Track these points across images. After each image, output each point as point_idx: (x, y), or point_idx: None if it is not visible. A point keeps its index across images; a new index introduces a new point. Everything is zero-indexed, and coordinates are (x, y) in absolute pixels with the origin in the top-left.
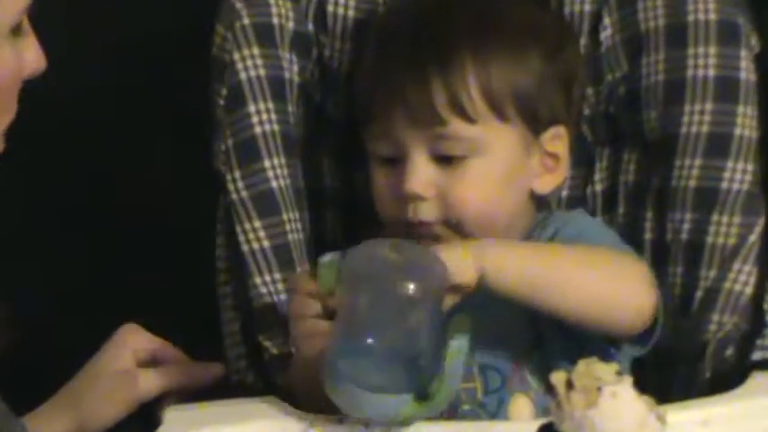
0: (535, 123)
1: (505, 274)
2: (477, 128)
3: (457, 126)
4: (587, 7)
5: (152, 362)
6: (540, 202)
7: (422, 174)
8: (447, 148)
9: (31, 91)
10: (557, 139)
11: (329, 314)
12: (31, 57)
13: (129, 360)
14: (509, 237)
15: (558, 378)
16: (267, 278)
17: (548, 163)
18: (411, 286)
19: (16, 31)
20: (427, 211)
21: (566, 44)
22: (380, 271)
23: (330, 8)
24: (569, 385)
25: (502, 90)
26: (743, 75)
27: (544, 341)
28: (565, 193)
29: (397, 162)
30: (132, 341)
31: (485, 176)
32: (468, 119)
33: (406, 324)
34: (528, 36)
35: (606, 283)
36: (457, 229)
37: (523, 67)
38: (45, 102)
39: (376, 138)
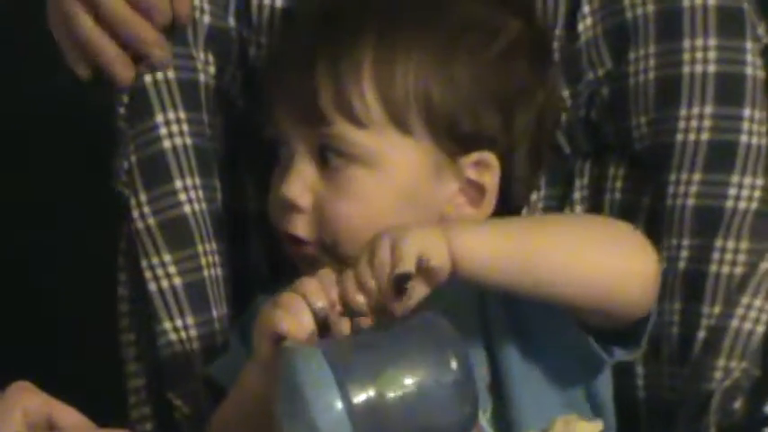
0: (451, 143)
1: (482, 255)
2: (369, 135)
3: (343, 128)
4: None
5: (46, 426)
6: None
7: (300, 176)
8: (329, 150)
9: None
10: (482, 167)
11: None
12: None
13: (20, 424)
14: None
15: None
16: (178, 323)
17: (470, 193)
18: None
19: None
20: (303, 227)
21: (520, 54)
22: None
23: None
24: None
25: (406, 95)
26: (749, 71)
27: (502, 385)
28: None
29: (287, 167)
30: (24, 401)
31: (370, 192)
32: (358, 122)
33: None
34: (461, 36)
35: (605, 254)
36: (333, 251)
37: (444, 72)
38: None
39: (272, 140)
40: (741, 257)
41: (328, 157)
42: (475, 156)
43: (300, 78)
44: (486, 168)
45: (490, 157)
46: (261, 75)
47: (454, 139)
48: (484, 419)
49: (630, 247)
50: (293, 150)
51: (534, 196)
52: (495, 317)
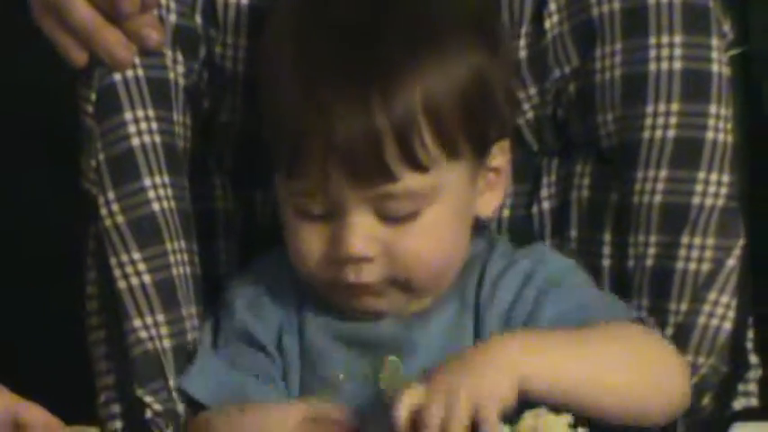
0: (484, 148)
1: (541, 384)
2: (430, 176)
3: (409, 180)
4: None
5: (13, 426)
6: (477, 225)
7: (365, 233)
8: (396, 209)
9: None
10: (500, 153)
11: None
12: None
13: None
14: (450, 276)
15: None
16: (149, 320)
17: (489, 178)
18: None
19: None
20: (372, 273)
21: (503, 33)
22: None
23: None
24: None
25: (455, 125)
26: (714, 68)
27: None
28: (507, 212)
29: (329, 218)
30: None
31: (437, 225)
32: (422, 169)
33: None
34: (475, 45)
35: (644, 382)
36: (405, 286)
37: (478, 87)
38: None
39: (303, 194)
40: (708, 254)
41: (392, 211)
42: (497, 146)
43: (364, 143)
44: (500, 152)
45: (505, 144)
46: (274, 132)
47: (486, 143)
48: None
49: (664, 369)
50: (345, 209)
51: (499, 199)
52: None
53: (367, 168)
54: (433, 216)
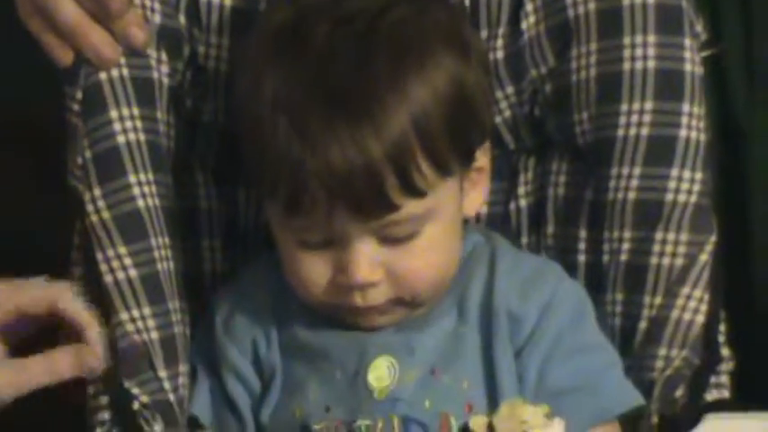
0: (470, 157)
1: None
2: (428, 198)
3: (410, 207)
4: None
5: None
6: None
7: (369, 261)
8: (397, 232)
9: None
10: (482, 155)
11: None
12: None
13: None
14: (449, 282)
15: (477, 422)
16: (135, 313)
17: (473, 177)
18: None
19: None
20: (378, 295)
21: (477, 42)
22: None
23: None
24: (490, 430)
25: (446, 144)
26: (687, 67)
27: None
28: (485, 209)
29: (330, 246)
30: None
31: (436, 241)
32: (421, 194)
33: None
34: (453, 58)
35: None
36: (409, 303)
37: (459, 102)
38: None
39: (303, 229)
40: (681, 249)
41: (394, 235)
42: (479, 152)
43: (365, 179)
44: (482, 154)
45: (486, 145)
46: (263, 168)
47: (472, 153)
48: None
49: None
50: (348, 238)
51: (483, 198)
52: (500, 365)
53: (369, 202)
54: (431, 233)
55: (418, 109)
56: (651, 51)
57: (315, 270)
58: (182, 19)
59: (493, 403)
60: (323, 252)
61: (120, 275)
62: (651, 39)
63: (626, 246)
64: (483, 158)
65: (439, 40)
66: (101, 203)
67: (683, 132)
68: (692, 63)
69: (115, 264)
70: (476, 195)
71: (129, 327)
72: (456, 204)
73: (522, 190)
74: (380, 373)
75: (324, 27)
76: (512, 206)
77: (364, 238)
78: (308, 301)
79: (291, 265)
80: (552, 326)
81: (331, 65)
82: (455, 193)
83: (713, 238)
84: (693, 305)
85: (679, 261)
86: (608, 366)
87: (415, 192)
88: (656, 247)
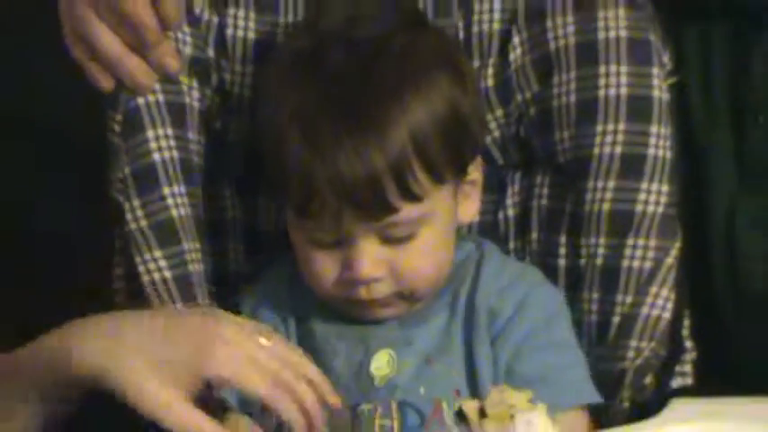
0: (463, 170)
1: None
2: (424, 204)
3: (407, 210)
4: (496, 26)
5: None
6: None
7: (373, 259)
8: (397, 233)
9: None
10: (474, 169)
11: None
12: None
13: None
14: (443, 280)
15: (469, 406)
16: None
17: (466, 189)
18: None
19: None
20: (381, 289)
21: (470, 69)
22: None
23: (230, 31)
24: (482, 413)
25: (441, 156)
26: (655, 93)
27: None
28: (477, 218)
29: (338, 245)
30: None
31: (432, 243)
32: (417, 200)
33: None
34: (448, 81)
35: None
36: (408, 297)
37: (454, 119)
38: None
39: (315, 230)
40: (650, 254)
41: (394, 235)
42: (471, 166)
43: (368, 188)
44: (475, 168)
45: (478, 160)
46: (281, 177)
47: (464, 165)
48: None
49: None
50: (354, 239)
51: (475, 208)
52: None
53: (372, 206)
54: (427, 235)
55: (417, 126)
56: (624, 80)
57: (325, 266)
58: (210, 51)
59: (473, 388)
60: (332, 251)
61: (156, 276)
62: (624, 68)
63: (601, 251)
64: (475, 172)
65: (437, 66)
66: (139, 213)
67: (651, 151)
68: (660, 89)
69: (152, 266)
70: (469, 205)
71: None
72: (450, 211)
73: (509, 201)
74: (381, 363)
75: (335, 52)
76: (500, 215)
77: (368, 238)
78: (320, 294)
79: (305, 262)
80: (525, 321)
81: (340, 86)
82: (449, 201)
83: (678, 244)
84: (661, 303)
85: (648, 264)
86: (573, 365)
87: (412, 197)
88: (628, 252)
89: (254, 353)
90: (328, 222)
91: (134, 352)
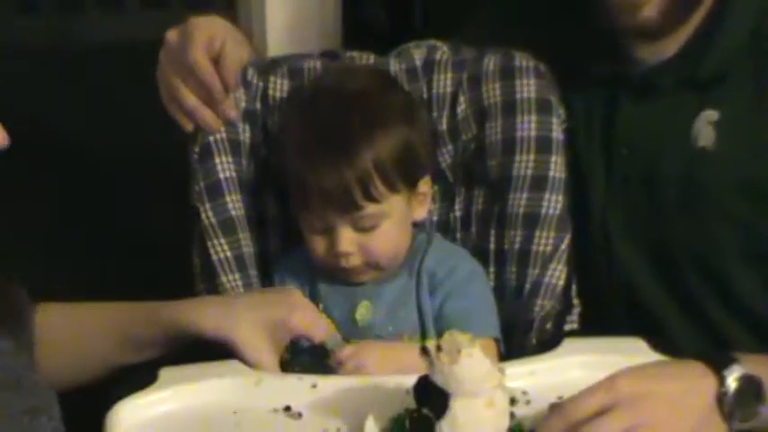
0: (413, 184)
1: None
2: (382, 204)
3: (369, 209)
4: (449, 89)
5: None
6: (416, 225)
7: (347, 240)
8: (363, 222)
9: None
10: (424, 184)
11: None
12: None
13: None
14: (401, 257)
15: (430, 344)
16: (230, 277)
17: (419, 198)
18: None
19: None
20: (354, 260)
21: (421, 114)
22: None
23: (270, 92)
24: (438, 349)
25: (393, 174)
26: (554, 135)
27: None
28: (435, 218)
29: (326, 231)
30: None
31: (390, 233)
32: (376, 201)
33: None
34: (405, 124)
35: None
36: (375, 266)
37: (406, 150)
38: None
39: (311, 220)
40: (550, 241)
41: (362, 224)
42: (422, 181)
43: (344, 194)
44: (424, 184)
45: (427, 178)
46: (293, 187)
47: (414, 181)
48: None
49: None
50: (335, 226)
51: (430, 207)
52: (427, 308)
53: (345, 205)
54: (387, 226)
55: (378, 155)
56: (533, 125)
57: (319, 245)
58: (257, 105)
59: (422, 325)
60: (323, 235)
61: (222, 255)
62: (533, 118)
63: (518, 239)
64: (424, 187)
65: (396, 115)
66: (210, 213)
67: (551, 173)
68: (557, 132)
69: (218, 249)
70: (421, 209)
71: (228, 285)
72: (404, 211)
73: (456, 207)
74: (362, 311)
75: (326, 100)
76: (451, 216)
77: (344, 226)
78: (318, 264)
79: (308, 243)
80: (452, 280)
81: (327, 123)
82: (403, 204)
83: (569, 235)
84: (557, 274)
85: (549, 248)
86: (483, 311)
87: (373, 199)
88: (536, 240)
89: (314, 314)
90: (317, 216)
91: (243, 314)
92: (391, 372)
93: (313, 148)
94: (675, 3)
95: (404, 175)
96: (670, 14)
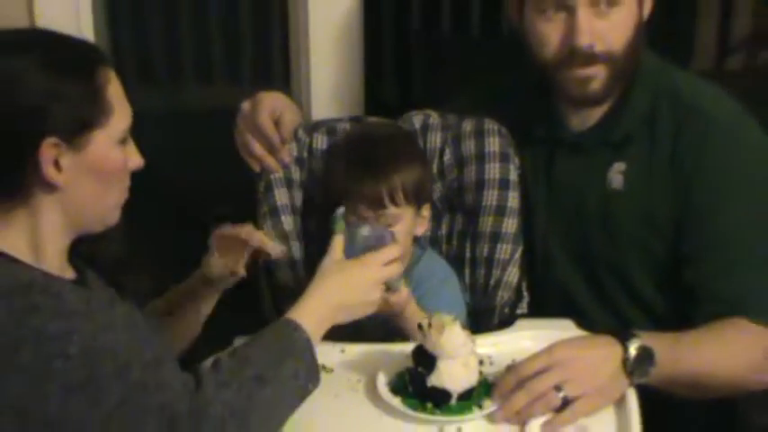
0: (420, 205)
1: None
2: (400, 209)
3: (391, 209)
4: (438, 144)
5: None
6: (415, 240)
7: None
8: (385, 220)
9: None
10: (426, 209)
11: None
12: (132, 158)
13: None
14: (405, 263)
15: (423, 321)
16: (283, 274)
17: (421, 220)
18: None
19: (123, 140)
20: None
21: (426, 159)
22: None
23: (314, 145)
24: (429, 325)
25: (409, 191)
26: (512, 177)
27: None
28: (427, 234)
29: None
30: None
31: (399, 235)
32: (397, 205)
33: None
34: (418, 161)
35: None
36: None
37: (419, 178)
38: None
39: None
40: (508, 251)
41: (380, 220)
42: (423, 208)
43: (374, 193)
44: (425, 208)
45: (428, 205)
46: (336, 186)
47: (421, 204)
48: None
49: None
50: (366, 217)
51: (424, 228)
52: None
53: (376, 206)
54: (398, 228)
55: (402, 176)
56: (497, 170)
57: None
58: (305, 153)
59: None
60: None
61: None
62: (497, 165)
63: (486, 250)
64: (425, 211)
65: (413, 153)
66: (269, 228)
67: (509, 203)
68: (514, 175)
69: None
70: (421, 228)
71: (281, 281)
72: (411, 222)
73: (443, 226)
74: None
75: (365, 141)
76: (438, 234)
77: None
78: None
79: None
80: (432, 282)
81: (366, 157)
82: (411, 216)
83: (521, 247)
84: (513, 274)
85: (507, 256)
86: (454, 302)
87: (396, 204)
88: (498, 250)
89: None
90: (360, 208)
91: (318, 300)
92: (410, 321)
93: (357, 172)
94: (612, 79)
95: (415, 195)
96: (607, 88)
